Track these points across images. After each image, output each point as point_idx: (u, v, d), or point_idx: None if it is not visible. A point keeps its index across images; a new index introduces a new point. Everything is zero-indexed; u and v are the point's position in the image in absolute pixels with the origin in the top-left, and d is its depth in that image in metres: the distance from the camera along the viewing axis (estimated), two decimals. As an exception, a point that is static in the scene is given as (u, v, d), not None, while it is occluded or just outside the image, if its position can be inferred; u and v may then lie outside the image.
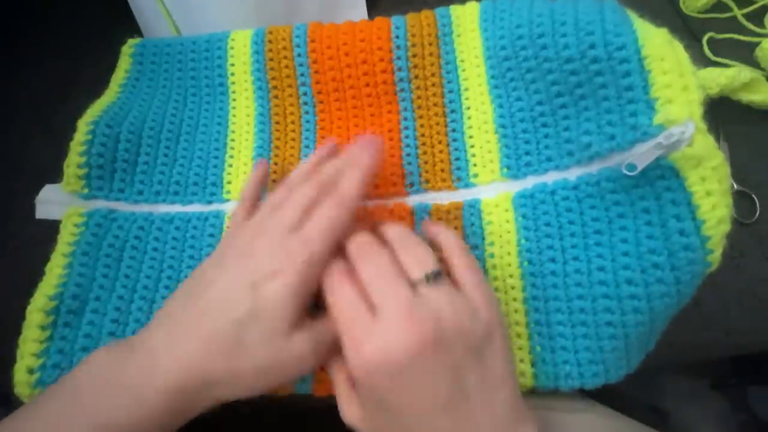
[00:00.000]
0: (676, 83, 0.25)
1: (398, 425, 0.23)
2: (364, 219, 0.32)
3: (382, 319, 0.22)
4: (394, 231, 0.25)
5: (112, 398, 0.23)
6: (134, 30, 0.42)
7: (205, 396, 0.24)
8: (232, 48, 0.37)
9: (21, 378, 0.28)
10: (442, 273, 0.24)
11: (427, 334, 0.21)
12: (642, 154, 0.25)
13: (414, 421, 0.22)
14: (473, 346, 0.22)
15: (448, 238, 0.26)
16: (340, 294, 0.24)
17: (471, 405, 0.22)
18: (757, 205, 0.35)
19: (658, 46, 0.26)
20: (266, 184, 0.32)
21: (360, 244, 0.25)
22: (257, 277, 0.24)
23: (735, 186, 0.35)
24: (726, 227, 0.25)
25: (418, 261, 0.24)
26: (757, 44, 0.39)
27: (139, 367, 0.24)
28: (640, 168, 0.25)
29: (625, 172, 0.25)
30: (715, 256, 0.25)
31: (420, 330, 0.21)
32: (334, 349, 0.25)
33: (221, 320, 0.24)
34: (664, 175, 0.25)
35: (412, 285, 0.23)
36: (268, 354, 0.24)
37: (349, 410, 0.25)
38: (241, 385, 0.24)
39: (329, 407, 0.31)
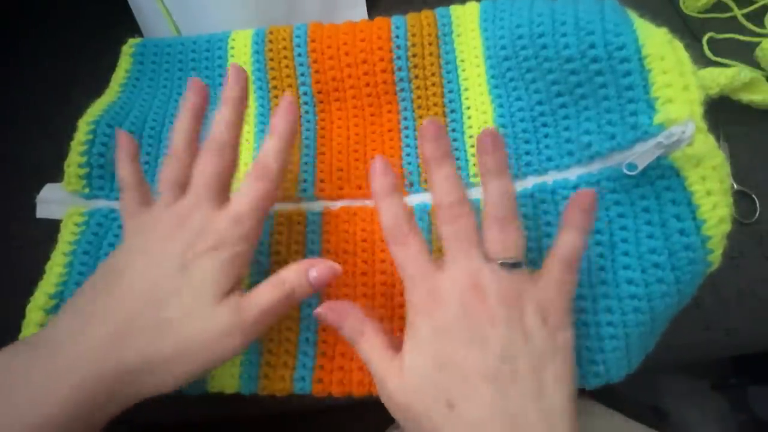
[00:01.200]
0: (677, 83, 0.25)
1: (445, 382, 0.22)
2: (365, 219, 0.32)
3: (447, 274, 0.23)
4: (498, 205, 0.24)
5: (12, 401, 0.21)
6: (134, 30, 0.42)
7: (120, 390, 0.22)
8: (232, 48, 0.37)
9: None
10: (523, 265, 0.24)
11: (486, 298, 0.22)
12: (642, 154, 0.25)
13: (458, 382, 0.22)
14: (530, 340, 0.22)
15: (565, 243, 0.24)
16: (407, 249, 0.24)
17: (518, 384, 0.21)
18: (757, 204, 0.35)
19: (659, 46, 0.26)
20: (138, 160, 0.29)
21: (452, 204, 0.24)
22: (186, 259, 0.24)
23: (735, 186, 0.35)
24: (726, 227, 0.25)
25: (504, 243, 0.24)
26: (757, 44, 0.38)
27: (40, 364, 0.22)
28: (640, 167, 0.25)
29: (626, 171, 0.25)
30: (716, 256, 0.25)
31: (480, 289, 0.22)
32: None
33: (139, 303, 0.23)
34: (664, 175, 0.25)
35: (487, 260, 0.23)
36: (190, 330, 0.23)
37: (388, 374, 0.23)
38: (161, 372, 0.23)
39: (329, 407, 0.31)
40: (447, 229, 0.24)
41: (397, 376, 0.23)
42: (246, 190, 0.25)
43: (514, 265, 0.23)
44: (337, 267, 0.25)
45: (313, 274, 0.25)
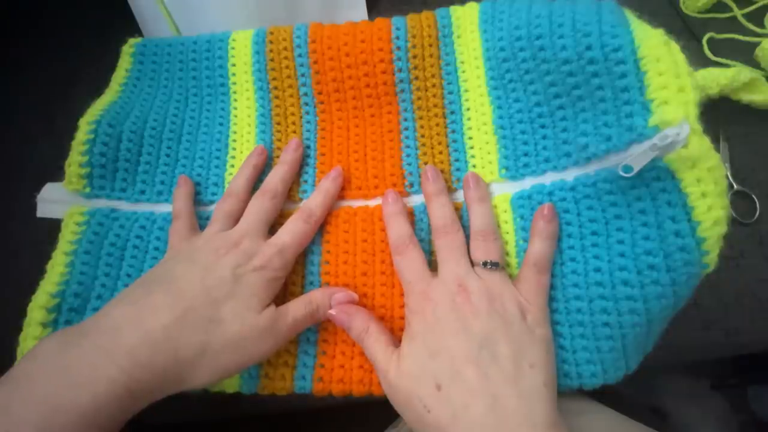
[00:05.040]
0: (672, 84, 0.25)
1: (434, 368, 0.25)
2: (365, 219, 0.32)
3: (439, 279, 0.28)
4: (480, 223, 0.30)
5: (64, 382, 0.23)
6: (134, 30, 0.42)
7: (167, 378, 0.25)
8: (233, 48, 0.37)
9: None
10: (502, 267, 0.28)
11: (470, 295, 0.26)
12: (638, 156, 0.24)
13: (445, 366, 0.25)
14: (510, 329, 0.26)
15: (535, 250, 0.28)
16: (406, 258, 0.29)
17: (498, 368, 0.24)
18: (757, 205, 0.35)
19: (654, 48, 0.26)
20: (194, 198, 0.34)
21: (445, 225, 0.30)
22: (239, 271, 0.28)
23: (735, 186, 0.35)
24: (722, 229, 0.25)
25: (485, 250, 0.29)
26: (757, 44, 0.38)
27: (95, 347, 0.24)
28: (636, 169, 0.25)
29: (622, 173, 0.25)
30: (712, 258, 0.25)
31: (466, 288, 0.27)
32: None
33: (200, 298, 0.26)
34: (659, 177, 0.25)
35: (473, 266, 0.28)
36: (239, 329, 0.27)
37: (388, 365, 0.27)
38: (204, 365, 0.26)
39: (329, 407, 0.32)
40: (441, 243, 0.29)
41: (395, 366, 0.26)
42: (291, 228, 0.31)
43: (493, 266, 0.28)
44: (355, 296, 0.30)
45: (337, 297, 0.30)
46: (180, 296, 0.26)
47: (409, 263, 0.29)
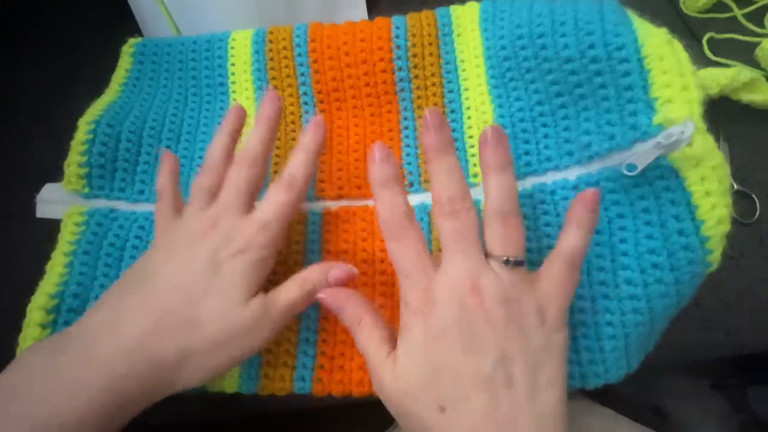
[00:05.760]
0: (676, 83, 0.25)
1: (438, 386, 0.22)
2: (365, 219, 0.32)
3: (443, 275, 0.23)
4: (500, 201, 0.24)
5: (50, 393, 0.22)
6: (134, 30, 0.42)
7: (152, 384, 0.23)
8: (232, 48, 0.37)
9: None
10: (525, 264, 0.23)
11: (483, 301, 0.22)
12: (641, 154, 0.25)
13: (451, 386, 0.22)
14: (528, 342, 0.22)
15: (569, 241, 0.24)
16: (403, 245, 0.24)
17: (511, 390, 0.21)
18: (757, 205, 0.35)
19: (658, 46, 0.26)
20: (178, 175, 0.31)
21: (452, 199, 0.24)
22: (217, 257, 0.25)
23: (735, 186, 0.35)
24: (725, 227, 0.25)
25: (505, 240, 0.23)
26: (757, 44, 0.38)
27: (77, 356, 0.23)
28: (639, 168, 0.25)
29: (625, 172, 0.25)
30: (715, 257, 0.25)
31: (478, 291, 0.22)
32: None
33: (174, 299, 0.24)
34: (663, 175, 0.25)
35: (487, 258, 0.23)
36: (221, 326, 0.24)
37: (382, 370, 0.23)
38: (192, 366, 0.24)
39: (329, 407, 0.31)
40: (446, 225, 0.24)
41: (390, 374, 0.23)
42: (272, 199, 0.27)
43: (517, 264, 0.23)
44: (355, 270, 0.26)
45: (333, 273, 0.26)
46: (155, 297, 0.24)
47: (407, 250, 0.24)
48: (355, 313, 0.25)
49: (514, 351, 0.22)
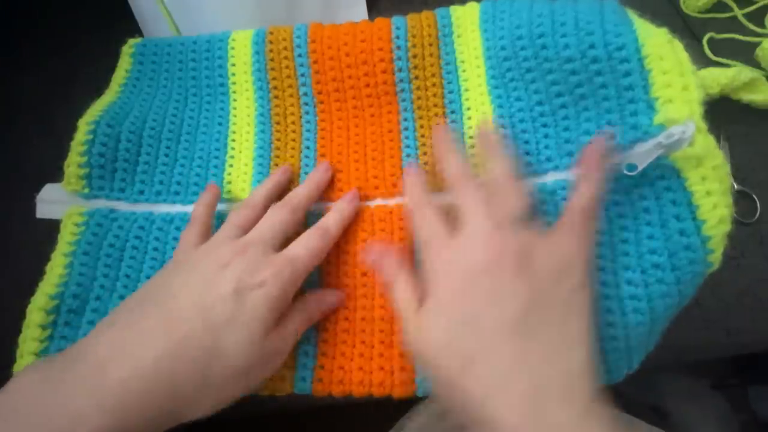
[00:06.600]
0: (676, 83, 0.25)
1: (465, 339, 0.23)
2: (365, 220, 0.32)
3: (465, 234, 0.25)
4: (502, 170, 0.27)
5: (47, 424, 0.20)
6: (134, 30, 0.42)
7: (167, 410, 0.22)
8: (232, 48, 0.37)
9: (21, 377, 0.28)
10: (536, 220, 0.26)
11: (504, 253, 0.23)
12: (642, 154, 0.25)
13: (479, 338, 0.22)
14: (551, 297, 0.23)
15: (584, 192, 0.25)
16: (423, 213, 0.27)
17: (538, 343, 0.22)
18: (758, 204, 0.35)
19: (658, 46, 0.26)
20: (215, 208, 0.32)
21: (465, 174, 0.27)
22: (241, 285, 0.25)
23: (735, 186, 0.35)
24: (726, 227, 0.25)
25: (513, 201, 0.25)
26: (757, 44, 0.39)
27: (79, 383, 0.21)
28: (640, 168, 0.25)
29: (626, 172, 0.25)
30: (716, 256, 0.25)
31: (499, 245, 0.24)
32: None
33: (196, 324, 0.23)
34: (664, 175, 0.25)
35: (502, 218, 0.25)
36: (242, 361, 0.24)
37: (413, 323, 0.25)
38: (205, 399, 0.24)
39: (329, 407, 0.31)
40: (463, 191, 0.26)
41: (419, 328, 0.24)
42: (305, 242, 0.28)
43: (526, 220, 0.25)
44: (342, 297, 0.30)
45: (327, 300, 0.29)
46: (175, 320, 0.24)
47: (427, 219, 0.26)
48: (393, 265, 0.27)
49: (538, 302, 0.23)
